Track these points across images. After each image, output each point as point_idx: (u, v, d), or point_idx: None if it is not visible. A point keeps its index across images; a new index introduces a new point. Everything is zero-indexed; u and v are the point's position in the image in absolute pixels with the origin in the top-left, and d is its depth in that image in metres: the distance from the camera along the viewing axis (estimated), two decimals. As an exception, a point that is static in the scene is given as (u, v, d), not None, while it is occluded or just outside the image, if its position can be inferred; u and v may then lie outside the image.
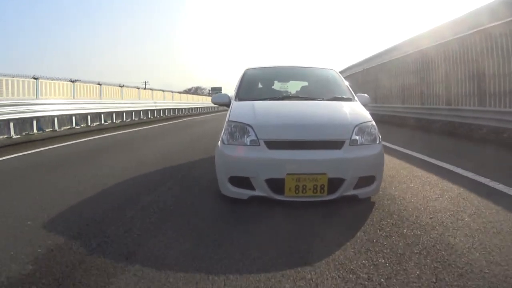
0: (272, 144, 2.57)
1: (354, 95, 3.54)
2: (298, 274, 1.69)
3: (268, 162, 2.51)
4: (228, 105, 3.52)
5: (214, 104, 3.83)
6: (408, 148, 5.51)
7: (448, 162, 4.25)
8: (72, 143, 7.49)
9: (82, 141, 7.94)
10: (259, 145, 2.58)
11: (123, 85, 17.41)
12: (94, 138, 8.57)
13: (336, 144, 2.59)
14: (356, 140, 2.64)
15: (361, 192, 2.63)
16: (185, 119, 19.08)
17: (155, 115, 19.95)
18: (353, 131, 2.66)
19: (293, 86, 4.29)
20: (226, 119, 2.92)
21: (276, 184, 2.48)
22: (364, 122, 2.79)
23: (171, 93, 25.70)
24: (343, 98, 3.41)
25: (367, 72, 17.36)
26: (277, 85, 4.26)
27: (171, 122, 16.21)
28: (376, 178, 2.69)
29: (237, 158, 2.62)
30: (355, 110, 3.02)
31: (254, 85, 3.99)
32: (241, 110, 3.05)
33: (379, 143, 2.78)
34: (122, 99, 16.76)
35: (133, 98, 18.25)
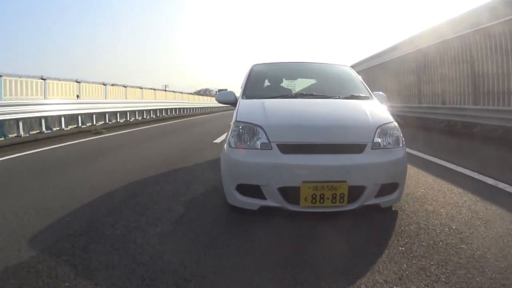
0: (286, 148, 2.18)
1: (371, 93, 3.10)
2: None
3: (282, 168, 2.12)
4: (233, 103, 3.12)
5: (219, 102, 3.40)
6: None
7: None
8: (152, 126, 11.71)
9: (161, 124, 12.41)
10: (271, 148, 2.18)
11: (155, 88, 21.03)
12: (161, 124, 12.51)
13: (357, 148, 2.19)
14: (378, 143, 2.24)
15: (383, 201, 2.23)
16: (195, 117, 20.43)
17: (168, 113, 21.27)
18: (375, 133, 2.25)
19: (305, 83, 3.80)
20: (233, 120, 2.51)
21: (291, 193, 2.10)
22: (386, 123, 2.37)
23: (181, 94, 28.00)
24: (361, 96, 2.98)
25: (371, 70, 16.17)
26: (286, 82, 3.80)
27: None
28: (399, 185, 2.29)
29: (246, 164, 2.21)
30: (375, 110, 2.59)
31: (263, 82, 3.56)
32: (249, 109, 2.65)
33: (402, 146, 2.36)
34: (155, 99, 20.58)
35: (161, 98, 21.48)
